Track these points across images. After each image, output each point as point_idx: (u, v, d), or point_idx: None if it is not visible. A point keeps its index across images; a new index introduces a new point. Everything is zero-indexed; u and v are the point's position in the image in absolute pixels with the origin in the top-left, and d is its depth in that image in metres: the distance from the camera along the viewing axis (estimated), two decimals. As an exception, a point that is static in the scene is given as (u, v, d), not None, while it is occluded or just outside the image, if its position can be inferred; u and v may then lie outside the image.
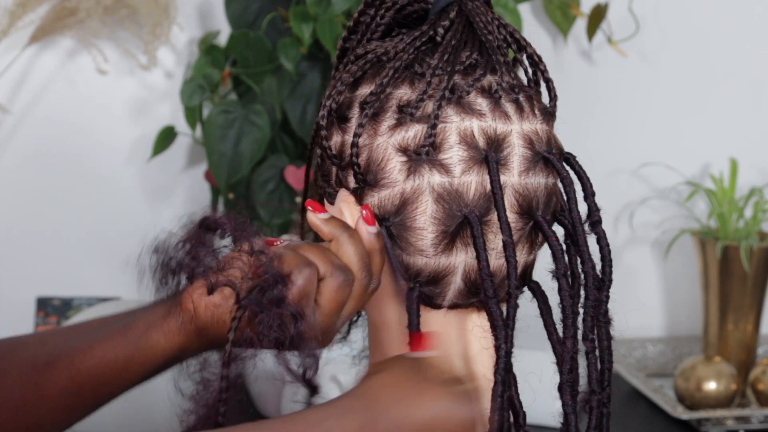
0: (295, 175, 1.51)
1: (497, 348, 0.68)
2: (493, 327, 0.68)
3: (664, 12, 1.74)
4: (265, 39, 1.49)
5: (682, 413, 1.48)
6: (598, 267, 0.72)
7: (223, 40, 1.60)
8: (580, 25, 1.71)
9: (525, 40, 0.75)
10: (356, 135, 0.70)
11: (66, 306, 1.64)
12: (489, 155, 0.68)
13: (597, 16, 1.65)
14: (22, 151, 1.65)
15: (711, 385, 1.53)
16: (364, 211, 0.70)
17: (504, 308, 0.69)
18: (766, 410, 1.53)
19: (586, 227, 0.72)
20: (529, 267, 0.74)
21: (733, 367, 1.57)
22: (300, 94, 1.51)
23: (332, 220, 0.69)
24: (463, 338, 0.73)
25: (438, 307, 0.73)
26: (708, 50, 1.77)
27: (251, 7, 1.55)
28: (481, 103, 0.70)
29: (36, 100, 1.64)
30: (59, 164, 1.66)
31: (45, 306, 1.64)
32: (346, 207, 0.71)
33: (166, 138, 1.57)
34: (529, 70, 0.75)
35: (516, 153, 0.70)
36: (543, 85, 0.75)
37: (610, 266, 0.72)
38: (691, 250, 1.72)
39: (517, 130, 0.70)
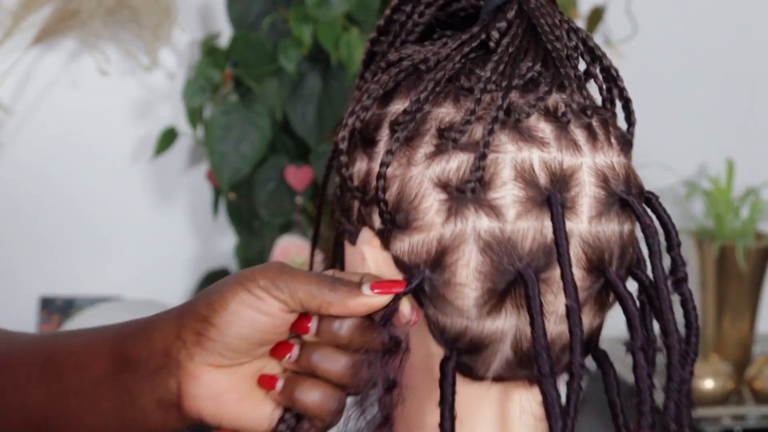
0: (295, 175, 1.50)
1: None
2: (548, 414, 0.51)
3: (661, 13, 1.74)
4: (265, 40, 1.49)
5: (679, 412, 1.48)
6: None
7: (224, 41, 1.59)
8: (578, 27, 1.71)
9: (599, 48, 0.57)
10: (384, 164, 0.52)
11: (68, 305, 1.63)
12: (552, 196, 0.51)
13: (595, 17, 1.64)
14: (25, 152, 1.64)
15: (707, 384, 1.53)
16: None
17: (563, 388, 0.52)
18: (762, 408, 1.53)
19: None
20: (594, 334, 0.57)
21: (730, 365, 1.57)
22: (300, 95, 1.51)
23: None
24: (503, 421, 0.56)
25: (480, 378, 0.56)
26: (705, 51, 1.77)
27: (252, 9, 1.54)
28: (545, 128, 0.52)
29: (39, 101, 1.64)
30: (61, 165, 1.65)
31: (48, 305, 1.63)
32: (369, 251, 0.54)
33: (167, 138, 1.55)
34: (604, 87, 0.58)
35: (586, 193, 0.53)
36: (618, 105, 0.59)
37: (697, 336, 0.56)
38: (688, 250, 1.71)
39: (588, 164, 0.53)
